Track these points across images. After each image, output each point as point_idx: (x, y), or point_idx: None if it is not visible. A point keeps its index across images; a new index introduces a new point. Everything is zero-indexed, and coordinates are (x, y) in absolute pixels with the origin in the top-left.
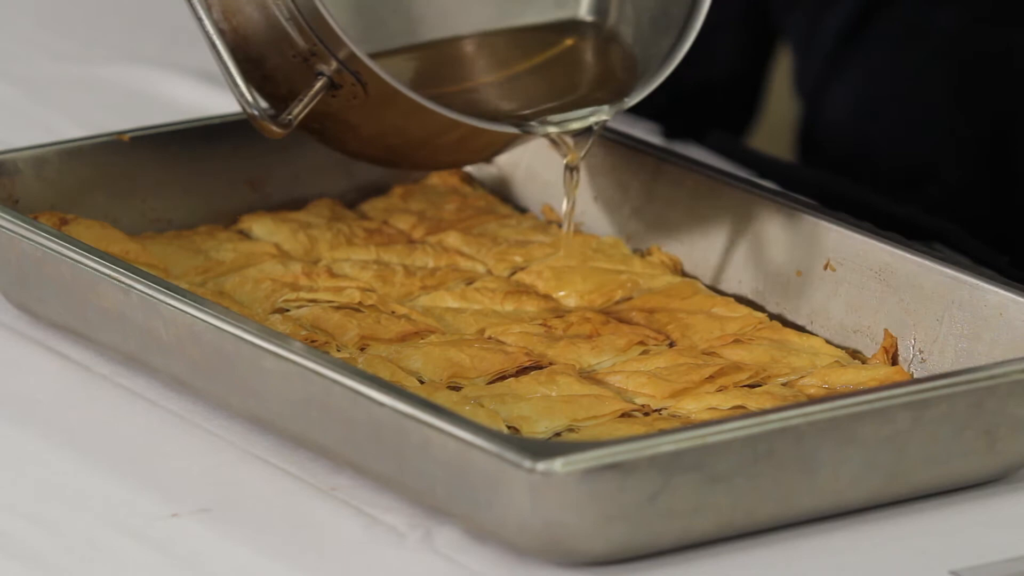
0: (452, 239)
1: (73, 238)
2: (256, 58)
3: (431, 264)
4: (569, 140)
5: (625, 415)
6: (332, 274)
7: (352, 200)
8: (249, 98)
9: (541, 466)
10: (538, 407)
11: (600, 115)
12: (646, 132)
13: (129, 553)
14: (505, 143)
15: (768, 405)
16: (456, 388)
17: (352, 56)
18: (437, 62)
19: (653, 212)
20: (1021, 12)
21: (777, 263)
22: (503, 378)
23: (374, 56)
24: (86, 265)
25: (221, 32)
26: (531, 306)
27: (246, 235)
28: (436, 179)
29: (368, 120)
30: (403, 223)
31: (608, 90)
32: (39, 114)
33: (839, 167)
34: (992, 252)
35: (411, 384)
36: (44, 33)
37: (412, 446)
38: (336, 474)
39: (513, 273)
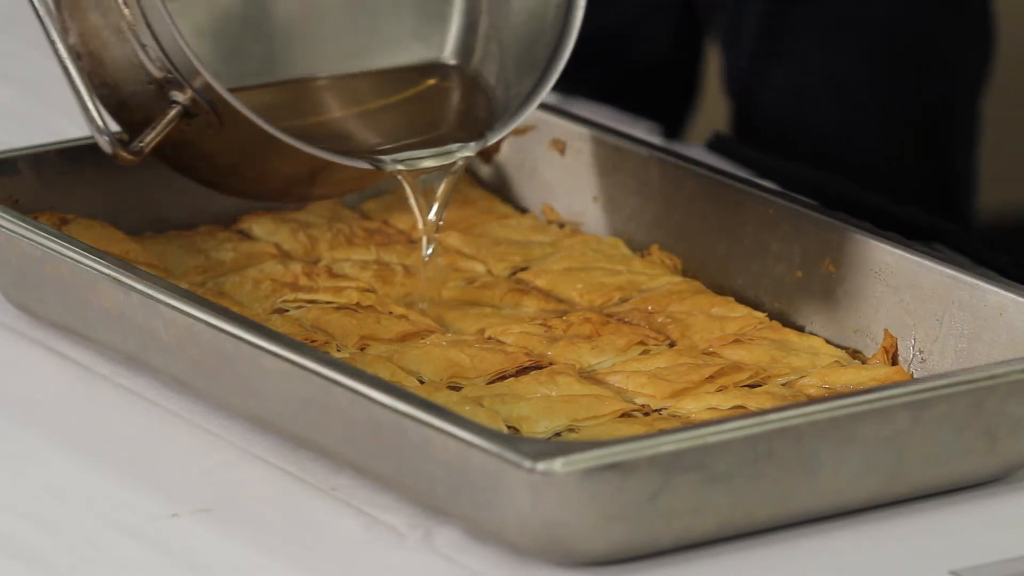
0: (452, 239)
1: (73, 238)
2: (112, 84)
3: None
4: (411, 180)
5: (625, 415)
6: (332, 274)
7: (352, 200)
8: (100, 123)
9: (541, 466)
10: (538, 407)
11: (453, 155)
12: (646, 132)
13: (129, 553)
14: (363, 180)
15: (768, 405)
16: (456, 388)
17: (207, 86)
18: (296, 96)
19: (653, 212)
20: None
21: (777, 263)
22: (503, 378)
23: (232, 89)
24: (86, 265)
25: (77, 55)
26: (531, 306)
27: (246, 235)
28: None
29: (223, 150)
30: (403, 223)
31: (468, 130)
32: (39, 114)
33: (776, 154)
34: (992, 252)
35: (411, 384)
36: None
37: (412, 446)
38: (336, 474)
39: (513, 273)
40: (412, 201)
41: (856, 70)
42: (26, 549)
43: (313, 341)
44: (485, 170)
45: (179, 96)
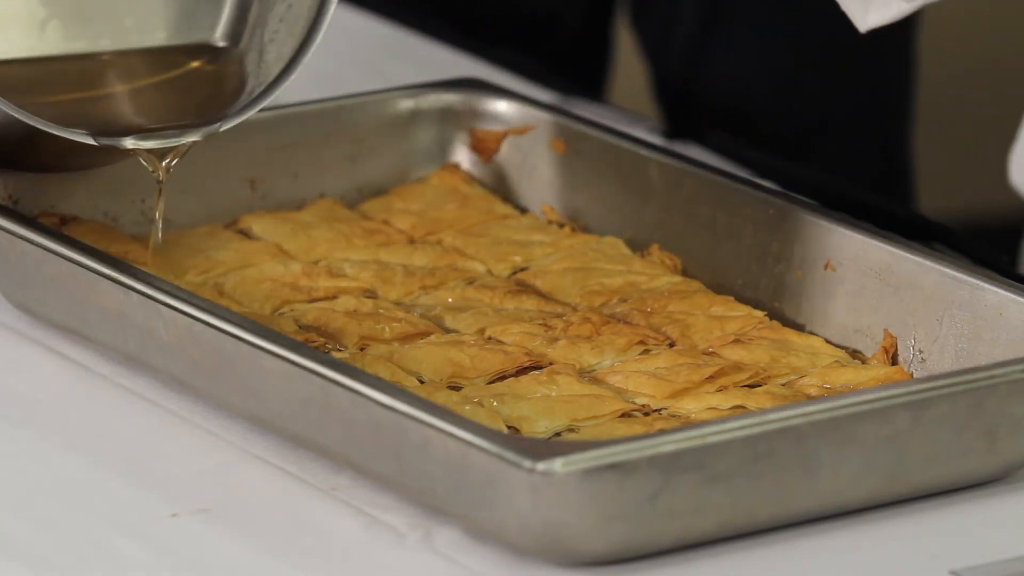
0: (452, 239)
1: (73, 238)
2: None
3: (431, 264)
4: (149, 156)
5: (625, 415)
6: (332, 274)
7: (352, 200)
8: None
9: (541, 466)
10: (538, 407)
11: (179, 139)
12: (646, 132)
13: (129, 553)
14: (111, 154)
15: (768, 405)
16: (456, 388)
17: None
18: (58, 71)
19: (653, 212)
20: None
21: (777, 263)
22: (503, 378)
23: None
24: (86, 265)
25: None
26: (531, 306)
27: (246, 235)
28: (436, 179)
29: None
30: (403, 223)
31: (209, 114)
32: None
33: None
34: (992, 252)
35: (411, 384)
36: None
37: (412, 446)
38: (336, 474)
39: (513, 273)
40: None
41: (798, 56)
42: (26, 549)
43: (313, 341)
44: (485, 170)
45: None
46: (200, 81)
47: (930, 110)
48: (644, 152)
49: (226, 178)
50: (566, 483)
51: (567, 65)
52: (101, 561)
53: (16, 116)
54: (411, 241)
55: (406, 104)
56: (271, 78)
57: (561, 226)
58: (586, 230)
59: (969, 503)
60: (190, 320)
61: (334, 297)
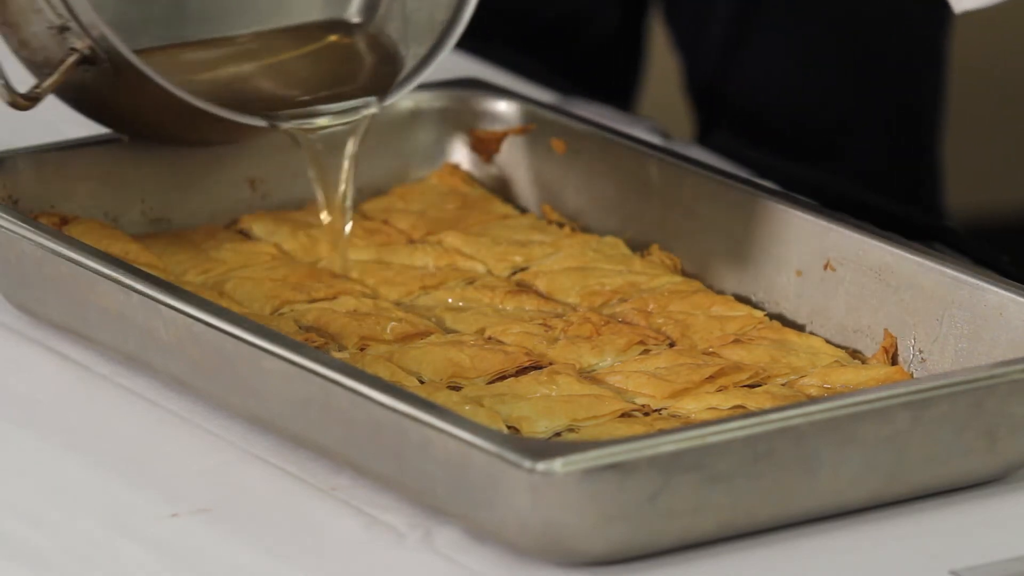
0: (452, 239)
1: (73, 238)
2: (13, 23)
3: (431, 264)
4: (311, 141)
5: (625, 415)
6: (332, 275)
7: (352, 200)
8: None
9: (541, 466)
10: (538, 407)
11: (356, 112)
12: (646, 132)
13: (129, 553)
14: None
15: (768, 405)
16: (456, 388)
17: (104, 37)
18: (198, 53)
19: (653, 212)
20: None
21: (777, 263)
22: (503, 378)
23: (136, 50)
24: (86, 265)
25: None
26: (531, 306)
27: (246, 235)
28: (436, 179)
29: (122, 97)
30: (403, 223)
31: (369, 88)
32: (39, 114)
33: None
34: (992, 252)
35: (411, 384)
36: None
37: (412, 446)
38: (336, 474)
39: (513, 273)
40: (311, 166)
41: (825, 57)
42: (26, 549)
43: (313, 341)
44: (485, 170)
45: (78, 44)
46: (342, 56)
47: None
48: (644, 152)
49: (226, 178)
50: (566, 483)
51: (599, 64)
52: (101, 561)
53: (196, 104)
54: (411, 241)
55: (406, 104)
56: (430, 44)
57: (561, 226)
58: (586, 230)
59: (969, 503)
60: (190, 320)
61: (334, 297)
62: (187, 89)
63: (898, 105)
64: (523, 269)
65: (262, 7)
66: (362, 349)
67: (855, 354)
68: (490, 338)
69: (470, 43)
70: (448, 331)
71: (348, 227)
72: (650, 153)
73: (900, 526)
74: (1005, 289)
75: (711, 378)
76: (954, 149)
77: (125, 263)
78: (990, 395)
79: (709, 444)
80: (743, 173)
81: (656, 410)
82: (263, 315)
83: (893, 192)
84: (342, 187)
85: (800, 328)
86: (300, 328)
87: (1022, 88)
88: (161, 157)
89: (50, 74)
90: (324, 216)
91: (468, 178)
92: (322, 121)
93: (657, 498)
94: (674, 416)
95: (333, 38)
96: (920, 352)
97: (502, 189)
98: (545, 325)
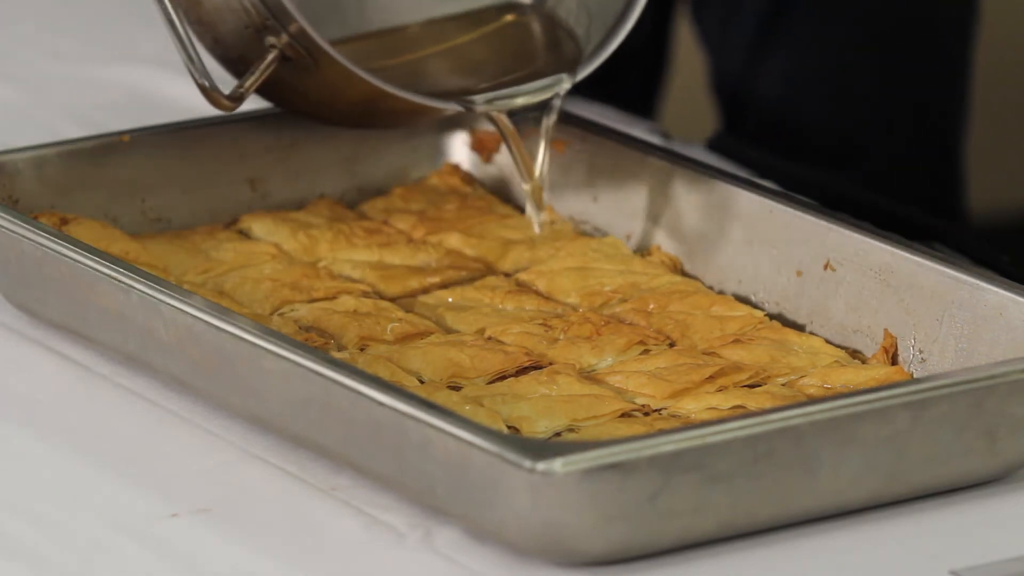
0: (452, 239)
1: (73, 238)
2: (208, 22)
3: (431, 264)
4: (505, 119)
5: (625, 415)
6: (332, 274)
7: (352, 200)
8: (199, 65)
9: (541, 466)
10: (538, 407)
11: (549, 89)
12: (646, 132)
13: (129, 553)
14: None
15: (768, 405)
16: (456, 388)
17: (302, 32)
18: (386, 40)
19: (653, 212)
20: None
21: (777, 263)
22: (503, 378)
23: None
24: (86, 265)
25: None
26: (531, 306)
27: (246, 235)
28: (436, 179)
29: (317, 88)
30: (403, 223)
31: (556, 66)
32: (39, 114)
33: (769, 144)
34: (992, 252)
35: (411, 384)
36: (44, 33)
37: (412, 446)
38: (336, 474)
39: (513, 273)
40: (511, 144)
41: (851, 58)
42: (26, 549)
43: (313, 341)
44: (485, 170)
45: (275, 41)
46: (523, 35)
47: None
48: (644, 152)
49: (226, 178)
50: (566, 483)
51: (627, 64)
52: (101, 561)
53: (395, 92)
54: (411, 241)
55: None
56: (609, 21)
57: (561, 226)
58: (586, 230)
59: (969, 503)
60: (190, 320)
61: (334, 297)
62: (382, 77)
63: (922, 107)
64: (523, 269)
65: None
66: (362, 349)
67: (855, 354)
68: (490, 338)
69: None
70: (448, 331)
71: (545, 195)
72: (650, 153)
73: (900, 526)
74: (1005, 289)
75: (711, 378)
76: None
77: (125, 263)
78: (990, 395)
79: (709, 444)
80: (743, 173)
81: (656, 410)
82: (263, 315)
83: (914, 195)
84: (540, 159)
85: (800, 328)
86: (300, 328)
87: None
88: (161, 157)
89: (248, 71)
90: (526, 187)
91: (468, 178)
92: (519, 101)
93: (657, 498)
94: (674, 416)
95: (509, 18)
96: (920, 352)
97: (502, 189)
98: (545, 325)
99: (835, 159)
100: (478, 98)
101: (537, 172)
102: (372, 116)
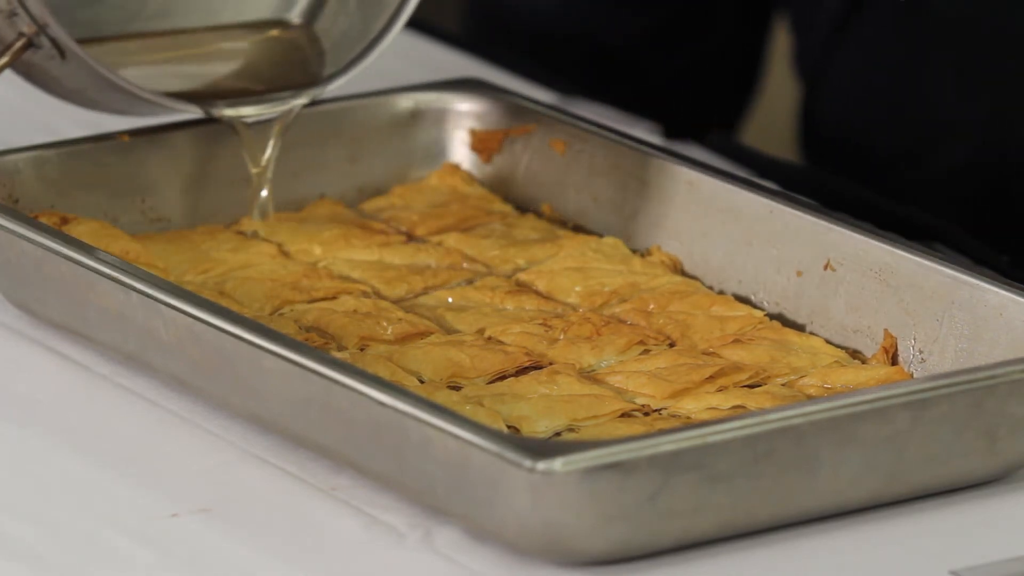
0: (452, 239)
1: (73, 238)
2: None
3: (431, 264)
4: (247, 128)
5: (625, 415)
6: (332, 274)
7: (352, 200)
8: None
9: (541, 466)
10: (538, 407)
11: (285, 103)
12: (646, 132)
13: (129, 553)
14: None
15: (768, 405)
16: (456, 388)
17: (48, 25)
18: (142, 41)
19: (653, 212)
20: None
21: (777, 263)
22: (503, 378)
23: (82, 40)
24: (86, 265)
25: None
26: (531, 306)
27: (246, 235)
28: (436, 179)
29: (68, 77)
30: (403, 223)
31: (301, 80)
32: (39, 114)
33: (838, 150)
34: (992, 252)
35: (411, 384)
36: None
37: (412, 446)
38: (336, 474)
39: (513, 273)
40: (244, 147)
41: (926, 62)
42: (26, 549)
43: (313, 341)
44: (485, 170)
45: (25, 29)
46: (279, 50)
47: None
48: (644, 152)
49: (226, 178)
50: (566, 483)
51: (719, 65)
52: (101, 561)
53: (130, 90)
54: (411, 241)
55: (406, 104)
56: (359, 50)
57: (561, 226)
58: (586, 230)
59: (969, 503)
60: (190, 320)
61: (334, 297)
62: (126, 76)
63: (995, 117)
64: (523, 269)
65: (207, 5)
66: (362, 349)
67: (855, 354)
68: (490, 338)
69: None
70: (448, 331)
71: (264, 192)
72: (650, 153)
73: (900, 526)
74: (1005, 289)
75: (711, 378)
76: None
77: (125, 263)
78: (990, 395)
79: (709, 444)
80: (743, 173)
81: (656, 410)
82: (263, 315)
83: (984, 206)
84: (266, 158)
85: (800, 328)
86: (300, 328)
87: None
88: (161, 157)
89: (1, 56)
90: (253, 171)
91: (468, 178)
92: (251, 110)
93: (657, 498)
94: (674, 416)
95: (271, 34)
96: (920, 352)
97: (502, 189)
98: (545, 325)
99: (903, 166)
100: (220, 104)
101: (263, 161)
102: (131, 106)
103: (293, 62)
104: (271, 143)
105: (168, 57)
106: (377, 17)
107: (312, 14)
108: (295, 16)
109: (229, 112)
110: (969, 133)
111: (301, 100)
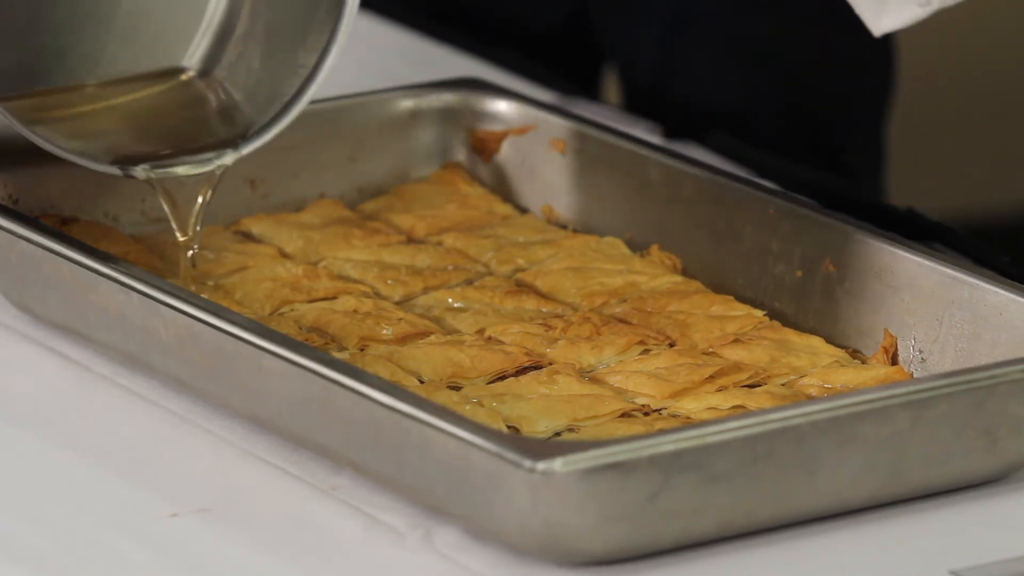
0: (452, 239)
1: (73, 238)
2: None
3: (431, 264)
4: (166, 186)
5: (625, 415)
6: (332, 274)
7: (352, 200)
8: None
9: (541, 466)
10: (538, 407)
11: (210, 163)
12: (646, 132)
13: (129, 553)
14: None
15: (768, 405)
16: (456, 388)
17: None
18: (60, 97)
19: (653, 212)
20: (841, 16)
21: (777, 263)
22: (503, 378)
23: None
24: (86, 265)
25: None
26: (531, 306)
27: (246, 235)
28: (436, 179)
29: None
30: (403, 223)
31: (221, 141)
32: None
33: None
34: (992, 252)
35: (411, 384)
36: None
37: (412, 446)
38: (336, 474)
39: (513, 273)
40: (167, 210)
41: (752, 91)
42: (26, 549)
43: (313, 342)
44: (485, 170)
45: None
46: (194, 105)
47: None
48: (644, 152)
49: (226, 178)
50: (566, 483)
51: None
52: (101, 561)
53: (46, 148)
54: (411, 241)
55: (406, 104)
56: (283, 100)
57: (561, 226)
58: (586, 230)
59: (969, 503)
60: (190, 320)
61: (334, 297)
62: (44, 134)
63: (824, 139)
64: (523, 269)
65: (108, 57)
66: (362, 349)
67: (855, 354)
68: (490, 338)
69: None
70: (448, 331)
71: (191, 252)
72: (650, 153)
73: (900, 526)
74: (1005, 289)
75: (711, 378)
76: (955, 149)
77: (125, 263)
78: (990, 395)
79: (709, 444)
80: (743, 173)
81: (656, 410)
82: (263, 315)
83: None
84: (193, 220)
85: (800, 328)
86: (300, 328)
87: (972, 88)
88: None
89: None
90: (180, 239)
91: (468, 178)
92: (180, 171)
93: (657, 498)
94: (674, 416)
95: (182, 88)
96: (920, 352)
97: (502, 189)
98: (545, 325)
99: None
100: (139, 168)
101: (189, 231)
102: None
103: (211, 117)
104: (198, 204)
105: (76, 113)
106: (288, 78)
107: (212, 64)
108: (196, 67)
109: (151, 173)
110: (800, 160)
111: (226, 160)
